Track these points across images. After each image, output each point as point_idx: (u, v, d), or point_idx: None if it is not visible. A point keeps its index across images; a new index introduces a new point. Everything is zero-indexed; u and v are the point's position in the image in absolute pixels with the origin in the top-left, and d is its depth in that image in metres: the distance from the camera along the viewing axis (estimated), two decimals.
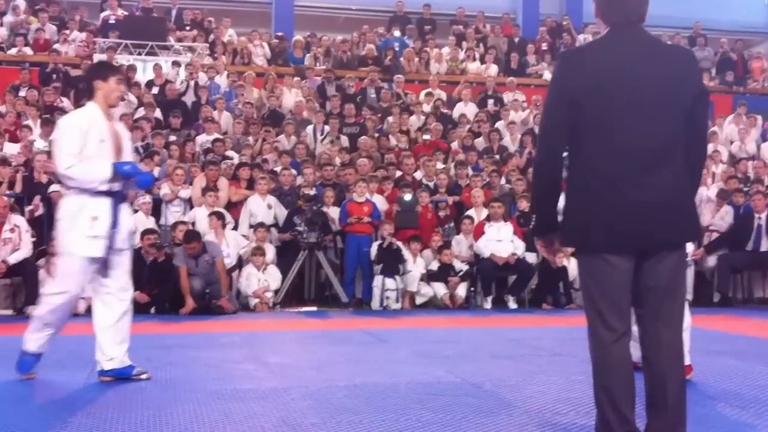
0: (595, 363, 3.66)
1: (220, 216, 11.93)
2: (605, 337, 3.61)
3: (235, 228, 12.35)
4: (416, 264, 12.06)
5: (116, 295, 6.02)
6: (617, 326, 3.61)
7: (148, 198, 12.11)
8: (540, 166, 3.78)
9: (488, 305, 12.17)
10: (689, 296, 12.84)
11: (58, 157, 5.86)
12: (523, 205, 12.81)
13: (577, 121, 3.56)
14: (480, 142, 16.03)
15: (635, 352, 3.80)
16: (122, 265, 6.07)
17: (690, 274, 12.93)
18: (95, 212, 5.86)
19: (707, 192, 13.54)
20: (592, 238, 3.58)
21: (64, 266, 5.95)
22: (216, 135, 14.71)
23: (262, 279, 11.70)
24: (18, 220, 10.98)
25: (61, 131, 5.92)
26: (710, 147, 16.67)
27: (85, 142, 5.81)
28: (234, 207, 12.68)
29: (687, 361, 5.87)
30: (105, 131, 5.94)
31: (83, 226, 5.82)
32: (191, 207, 12.52)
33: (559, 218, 3.79)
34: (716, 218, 13.04)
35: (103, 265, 5.95)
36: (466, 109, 17.37)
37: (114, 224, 5.92)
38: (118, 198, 5.98)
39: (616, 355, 3.61)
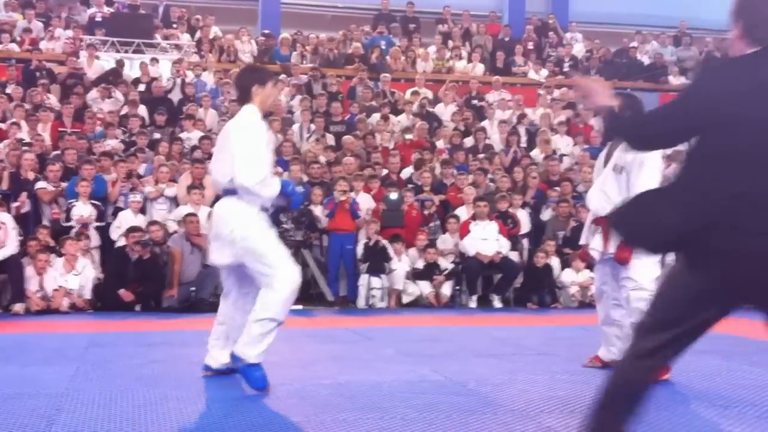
0: None
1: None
2: None
3: None
4: (401, 262, 12.09)
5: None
6: None
7: (139, 197, 12.11)
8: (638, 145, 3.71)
9: (473, 304, 12.20)
10: None
11: (246, 165, 5.49)
12: (504, 205, 12.84)
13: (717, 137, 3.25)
14: (465, 141, 16.05)
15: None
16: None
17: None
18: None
19: None
20: None
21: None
22: (200, 132, 14.70)
23: None
24: (4, 217, 10.95)
25: (250, 136, 5.59)
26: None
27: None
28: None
29: None
30: (268, 139, 5.81)
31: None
32: (177, 205, 12.50)
33: None
34: None
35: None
36: (446, 110, 17.39)
37: None
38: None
39: None
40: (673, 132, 3.44)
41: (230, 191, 5.71)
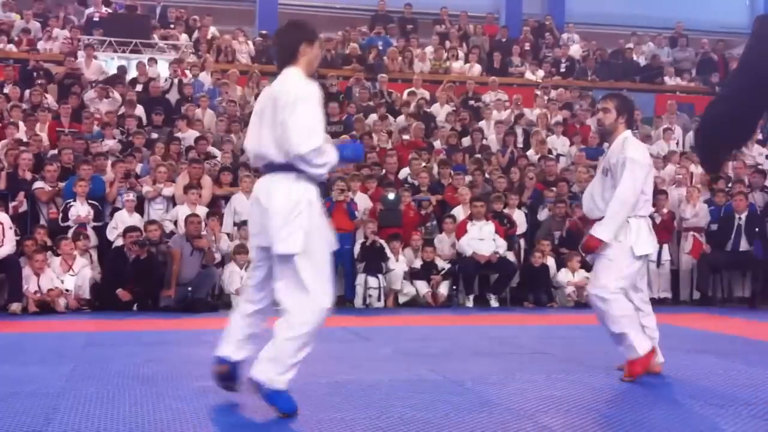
0: None
1: (213, 214, 12.08)
2: None
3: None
4: (399, 262, 12.10)
5: None
6: None
7: (131, 195, 12.12)
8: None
9: (470, 303, 12.24)
10: (667, 295, 13.02)
11: (299, 132, 4.74)
12: (499, 206, 12.87)
13: None
14: (462, 142, 16.07)
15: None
16: None
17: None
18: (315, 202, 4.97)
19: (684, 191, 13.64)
20: None
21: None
22: (196, 133, 14.71)
23: (245, 277, 11.71)
24: (1, 216, 10.96)
25: (303, 100, 4.82)
26: (688, 147, 16.83)
27: None
28: (215, 204, 12.74)
29: (639, 352, 5.95)
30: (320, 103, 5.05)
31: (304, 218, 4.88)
32: (174, 205, 12.52)
33: None
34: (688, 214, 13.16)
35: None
36: (441, 111, 17.40)
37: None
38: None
39: None
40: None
41: (276, 166, 4.92)
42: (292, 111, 4.77)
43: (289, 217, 4.81)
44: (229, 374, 5.20)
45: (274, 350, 4.87)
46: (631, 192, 5.94)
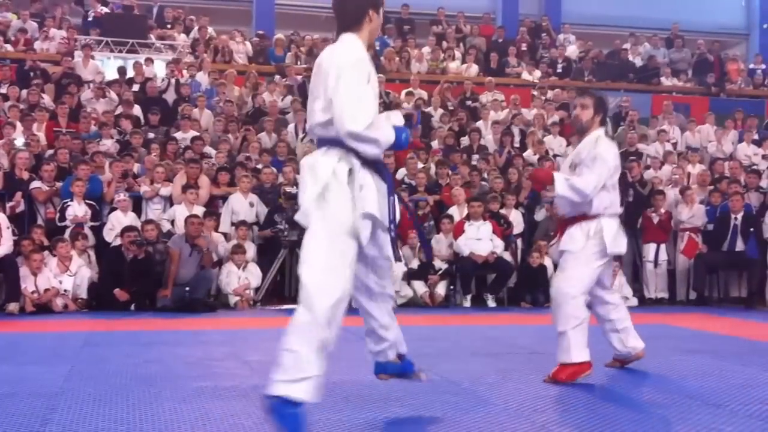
0: None
1: (209, 214, 12.11)
2: None
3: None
4: (396, 263, 12.06)
5: None
6: None
7: (123, 195, 12.11)
8: None
9: (467, 303, 12.24)
10: (664, 295, 13.04)
11: (348, 108, 4.19)
12: (496, 206, 12.87)
13: None
14: (460, 141, 16.09)
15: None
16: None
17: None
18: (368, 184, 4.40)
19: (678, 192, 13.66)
20: None
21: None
22: (194, 133, 14.71)
23: (243, 277, 11.73)
24: None
25: (351, 72, 4.27)
26: (683, 148, 16.86)
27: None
28: (212, 204, 12.75)
29: (572, 359, 5.97)
30: (376, 79, 4.50)
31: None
32: (171, 204, 12.52)
33: None
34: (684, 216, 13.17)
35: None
36: (435, 113, 17.40)
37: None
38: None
39: None
40: None
41: (328, 141, 4.41)
42: (342, 83, 4.23)
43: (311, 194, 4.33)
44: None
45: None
46: (592, 187, 5.99)
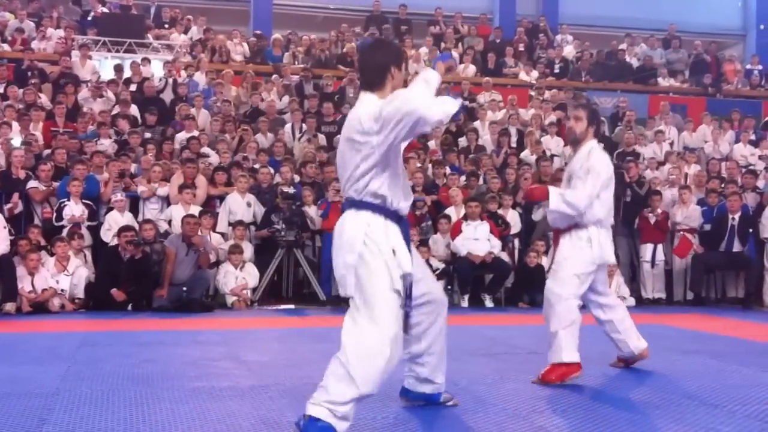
0: None
1: (204, 213, 12.08)
2: None
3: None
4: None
5: None
6: None
7: (119, 195, 12.10)
8: None
9: (465, 304, 12.23)
10: (661, 295, 13.05)
11: (414, 97, 4.22)
12: (493, 206, 12.88)
13: None
14: (457, 142, 16.09)
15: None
16: None
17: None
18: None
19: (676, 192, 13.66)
20: None
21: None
22: (193, 132, 14.69)
23: (240, 277, 11.72)
24: None
25: (387, 101, 4.27)
26: (680, 148, 16.87)
27: None
28: (209, 203, 12.74)
29: (563, 359, 5.97)
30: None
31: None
32: (168, 204, 12.51)
33: None
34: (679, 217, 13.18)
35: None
36: None
37: None
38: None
39: None
40: None
41: (357, 203, 4.46)
42: (381, 110, 4.23)
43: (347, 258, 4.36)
44: None
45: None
46: (585, 200, 6.05)
